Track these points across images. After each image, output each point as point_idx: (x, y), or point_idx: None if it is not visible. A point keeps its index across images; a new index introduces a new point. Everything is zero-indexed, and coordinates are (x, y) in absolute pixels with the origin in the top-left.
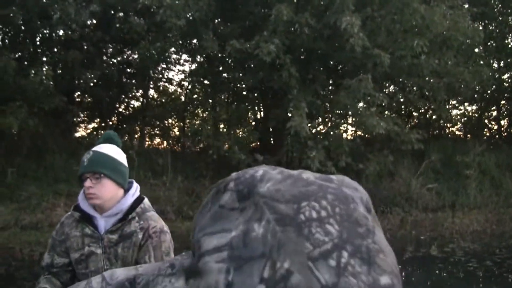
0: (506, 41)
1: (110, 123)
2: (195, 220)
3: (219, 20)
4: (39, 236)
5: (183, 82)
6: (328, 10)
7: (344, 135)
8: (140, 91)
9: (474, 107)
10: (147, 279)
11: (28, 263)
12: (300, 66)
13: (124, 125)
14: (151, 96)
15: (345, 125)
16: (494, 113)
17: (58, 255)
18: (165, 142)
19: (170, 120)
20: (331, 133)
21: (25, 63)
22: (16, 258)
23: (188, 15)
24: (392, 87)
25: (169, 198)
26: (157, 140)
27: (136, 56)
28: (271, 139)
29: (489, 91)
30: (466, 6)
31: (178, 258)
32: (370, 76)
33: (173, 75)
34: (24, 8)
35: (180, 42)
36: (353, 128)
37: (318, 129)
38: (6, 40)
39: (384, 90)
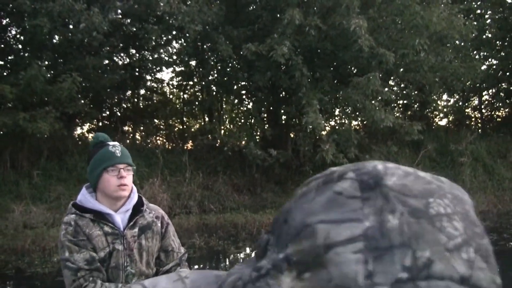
0: (485, 35)
1: (109, 121)
2: (290, 208)
3: (228, 24)
4: None
5: (189, 83)
6: (332, 11)
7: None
8: (142, 91)
9: (456, 98)
10: None
11: None
12: (308, 65)
13: (129, 124)
14: (154, 97)
15: (352, 119)
16: (475, 102)
17: (90, 251)
18: (162, 139)
19: (171, 119)
20: (342, 127)
21: (48, 69)
22: None
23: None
24: (393, 82)
25: (192, 193)
26: (161, 138)
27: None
28: (279, 134)
29: (468, 82)
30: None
31: (247, 263)
32: (377, 73)
33: (179, 78)
34: (51, 18)
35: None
36: (357, 122)
37: (328, 124)
38: (32, 48)
39: (388, 86)
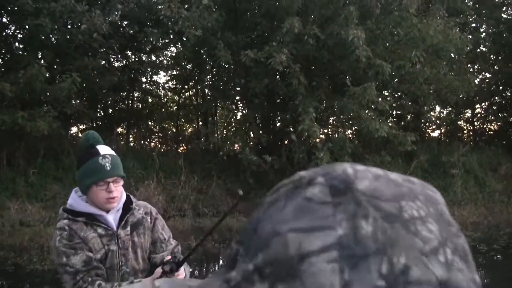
0: (479, 49)
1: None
2: (259, 216)
3: (227, 31)
4: None
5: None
6: (331, 21)
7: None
8: (137, 94)
9: (448, 110)
10: None
11: None
12: (305, 73)
13: (124, 126)
14: (149, 100)
15: (347, 128)
16: (468, 115)
17: (87, 251)
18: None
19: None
20: (337, 136)
21: (47, 68)
22: None
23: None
24: (387, 93)
25: (186, 196)
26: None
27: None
28: (274, 141)
29: (461, 95)
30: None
31: (217, 274)
32: (374, 84)
33: (174, 82)
34: (52, 18)
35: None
36: (351, 131)
37: (322, 132)
38: (32, 48)
39: (383, 96)
